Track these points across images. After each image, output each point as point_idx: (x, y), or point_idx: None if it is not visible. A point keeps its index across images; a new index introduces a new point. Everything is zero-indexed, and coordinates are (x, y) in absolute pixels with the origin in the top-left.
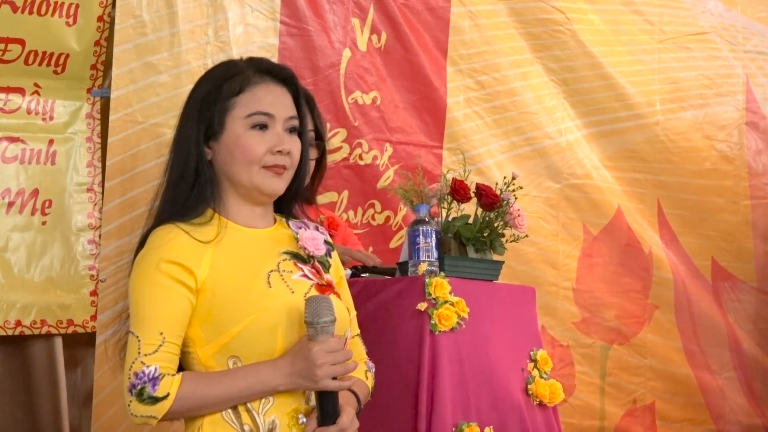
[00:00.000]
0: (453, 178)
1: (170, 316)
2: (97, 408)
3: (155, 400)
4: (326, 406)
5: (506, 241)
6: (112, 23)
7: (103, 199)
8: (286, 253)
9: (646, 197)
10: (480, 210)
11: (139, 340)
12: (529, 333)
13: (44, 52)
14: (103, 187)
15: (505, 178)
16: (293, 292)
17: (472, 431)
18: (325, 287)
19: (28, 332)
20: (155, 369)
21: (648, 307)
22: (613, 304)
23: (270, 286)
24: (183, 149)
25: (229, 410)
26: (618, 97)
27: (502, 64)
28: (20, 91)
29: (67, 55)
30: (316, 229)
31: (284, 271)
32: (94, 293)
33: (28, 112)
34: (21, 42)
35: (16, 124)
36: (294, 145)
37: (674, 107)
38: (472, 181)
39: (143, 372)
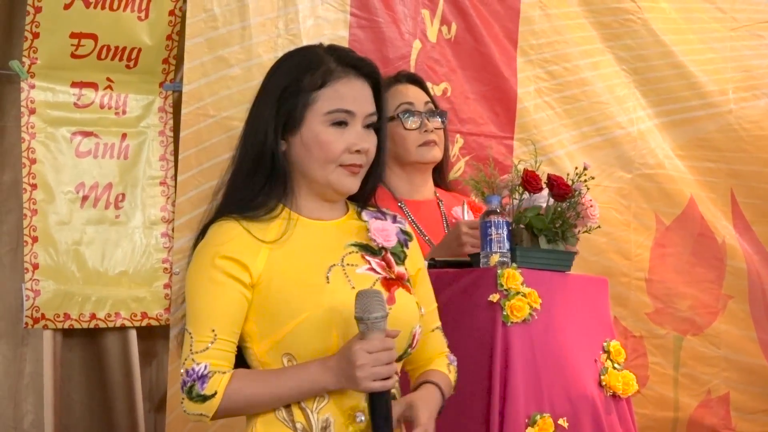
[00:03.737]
0: (524, 169)
1: (223, 313)
2: (171, 400)
3: (204, 398)
4: (378, 409)
5: (578, 231)
6: (183, 17)
7: (176, 192)
8: (354, 245)
9: (719, 186)
10: (552, 200)
11: (191, 337)
12: (602, 324)
13: (117, 47)
14: (175, 180)
15: (576, 168)
16: (354, 287)
17: (546, 422)
18: (393, 281)
19: (102, 325)
20: (205, 367)
21: (722, 297)
22: (686, 294)
23: (328, 282)
24: (257, 140)
25: (282, 408)
26: (690, 86)
27: (573, 54)
28: (93, 85)
29: (140, 50)
30: (394, 218)
31: (348, 264)
32: (167, 286)
33: (101, 106)
34: (94, 37)
35: (89, 118)
36: (371, 142)
37: (747, 96)
38: (543, 171)
39: (193, 369)
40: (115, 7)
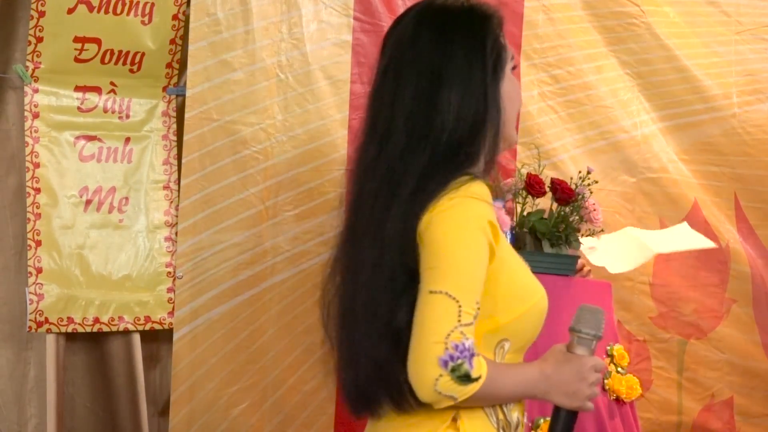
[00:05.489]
0: (528, 173)
1: (481, 287)
2: (175, 404)
3: (468, 380)
4: (566, 426)
5: (582, 235)
6: (186, 21)
7: (179, 196)
8: None
9: (723, 190)
10: (555, 204)
11: (459, 306)
12: (606, 328)
13: (120, 51)
14: (179, 184)
15: (580, 172)
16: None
17: None
18: None
19: (105, 329)
20: (472, 344)
21: (726, 301)
22: (690, 298)
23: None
24: (473, 94)
25: None
26: (694, 90)
27: (577, 58)
28: (97, 90)
29: (143, 54)
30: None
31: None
32: (170, 290)
33: (105, 110)
34: (97, 41)
35: (93, 122)
36: None
37: (751, 99)
38: (546, 175)
39: (464, 344)
40: (118, 11)
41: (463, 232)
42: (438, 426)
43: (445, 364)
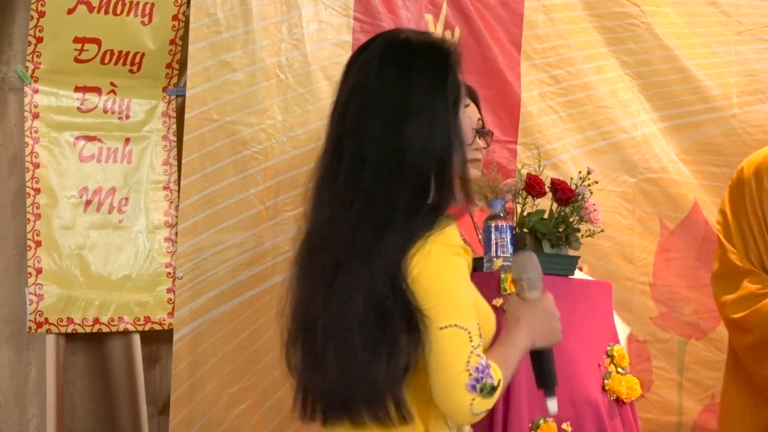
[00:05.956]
0: (528, 173)
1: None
2: (175, 404)
3: (494, 390)
4: (551, 360)
5: (582, 236)
6: (186, 22)
7: (179, 196)
8: None
9: (723, 191)
10: (555, 205)
11: (469, 333)
12: (606, 328)
13: (120, 52)
14: (179, 184)
15: (580, 172)
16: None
17: (549, 427)
18: None
19: (105, 329)
20: (486, 359)
21: None
22: (690, 298)
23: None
24: (438, 125)
25: None
26: (694, 90)
27: (577, 58)
28: (97, 90)
29: (143, 54)
30: None
31: None
32: (170, 290)
33: (105, 111)
34: (97, 41)
35: (92, 123)
36: None
37: (752, 99)
38: (546, 176)
39: (481, 364)
40: (118, 11)
41: (452, 265)
42: None
43: (474, 388)
